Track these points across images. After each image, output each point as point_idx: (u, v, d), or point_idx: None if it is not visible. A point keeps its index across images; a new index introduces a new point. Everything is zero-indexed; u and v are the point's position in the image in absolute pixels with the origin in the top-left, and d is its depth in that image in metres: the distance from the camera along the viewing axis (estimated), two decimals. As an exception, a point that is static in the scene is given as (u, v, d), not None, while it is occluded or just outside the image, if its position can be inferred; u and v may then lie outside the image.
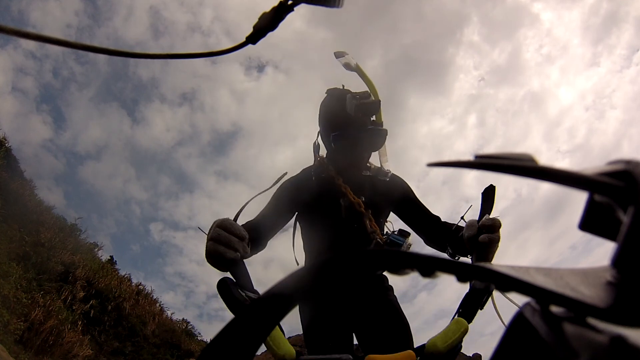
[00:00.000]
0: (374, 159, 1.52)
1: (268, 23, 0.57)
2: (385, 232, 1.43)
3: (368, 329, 1.35)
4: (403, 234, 1.39)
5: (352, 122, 1.33)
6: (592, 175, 0.20)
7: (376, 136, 1.37)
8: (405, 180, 1.52)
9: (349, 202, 1.32)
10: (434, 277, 0.21)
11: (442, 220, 1.40)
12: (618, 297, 0.18)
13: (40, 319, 5.83)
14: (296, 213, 1.45)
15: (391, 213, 1.50)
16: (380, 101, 1.36)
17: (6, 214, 6.76)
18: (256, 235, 1.23)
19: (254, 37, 0.58)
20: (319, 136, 1.50)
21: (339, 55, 1.48)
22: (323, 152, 1.54)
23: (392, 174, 1.49)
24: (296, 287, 0.22)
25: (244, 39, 0.58)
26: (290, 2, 0.56)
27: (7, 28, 0.43)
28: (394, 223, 1.51)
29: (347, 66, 1.45)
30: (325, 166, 1.44)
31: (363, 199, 1.33)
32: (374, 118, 1.39)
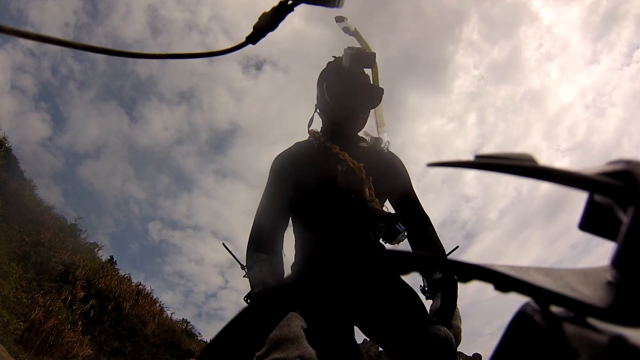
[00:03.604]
0: (371, 130, 1.49)
1: (268, 23, 0.57)
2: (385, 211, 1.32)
3: (375, 315, 1.17)
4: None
5: (347, 76, 1.33)
6: (592, 176, 0.20)
7: (370, 91, 1.34)
8: (403, 164, 1.43)
9: (347, 167, 1.24)
10: (435, 277, 0.21)
11: (431, 223, 1.33)
12: (618, 297, 0.18)
13: (40, 319, 5.83)
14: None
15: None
16: (375, 54, 1.35)
17: (6, 214, 6.76)
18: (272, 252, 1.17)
19: (254, 37, 0.58)
20: (316, 110, 1.44)
21: (339, 19, 1.51)
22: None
23: (390, 151, 1.43)
24: (296, 286, 0.22)
25: (243, 39, 0.59)
26: (290, 2, 0.56)
27: (7, 28, 0.43)
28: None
29: (346, 30, 1.49)
30: (320, 136, 1.38)
31: (363, 165, 1.26)
32: (372, 80, 1.39)
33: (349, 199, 1.23)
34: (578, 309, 0.17)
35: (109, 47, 0.53)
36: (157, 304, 9.66)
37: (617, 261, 0.20)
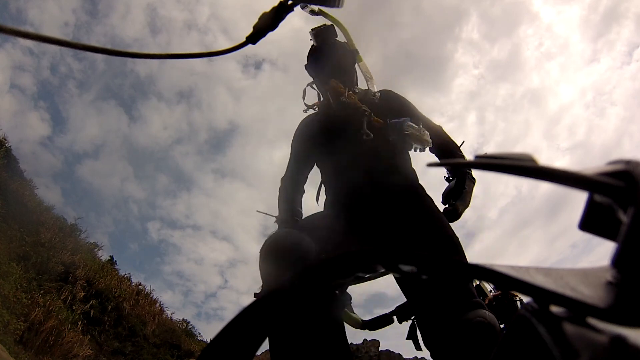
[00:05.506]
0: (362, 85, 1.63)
1: (268, 23, 0.57)
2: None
3: (417, 281, 1.08)
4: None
5: (320, 50, 1.50)
6: (592, 176, 0.20)
7: (341, 53, 1.51)
8: (397, 92, 1.53)
9: (344, 101, 1.38)
10: (434, 276, 0.21)
11: (443, 129, 1.49)
12: (618, 297, 0.18)
13: (40, 319, 5.82)
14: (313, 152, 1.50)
15: None
16: (333, 25, 1.53)
17: (6, 214, 6.75)
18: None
19: (254, 37, 0.58)
20: (309, 84, 1.60)
21: (302, 6, 1.63)
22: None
23: (382, 90, 1.53)
24: (298, 286, 0.22)
25: (244, 39, 0.59)
26: (290, 2, 0.56)
27: (7, 28, 0.43)
28: None
29: (312, 12, 1.69)
30: (321, 103, 1.55)
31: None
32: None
33: (353, 122, 1.34)
34: (578, 309, 0.17)
35: (108, 46, 0.53)
36: (157, 304, 9.66)
37: (617, 261, 0.20)
